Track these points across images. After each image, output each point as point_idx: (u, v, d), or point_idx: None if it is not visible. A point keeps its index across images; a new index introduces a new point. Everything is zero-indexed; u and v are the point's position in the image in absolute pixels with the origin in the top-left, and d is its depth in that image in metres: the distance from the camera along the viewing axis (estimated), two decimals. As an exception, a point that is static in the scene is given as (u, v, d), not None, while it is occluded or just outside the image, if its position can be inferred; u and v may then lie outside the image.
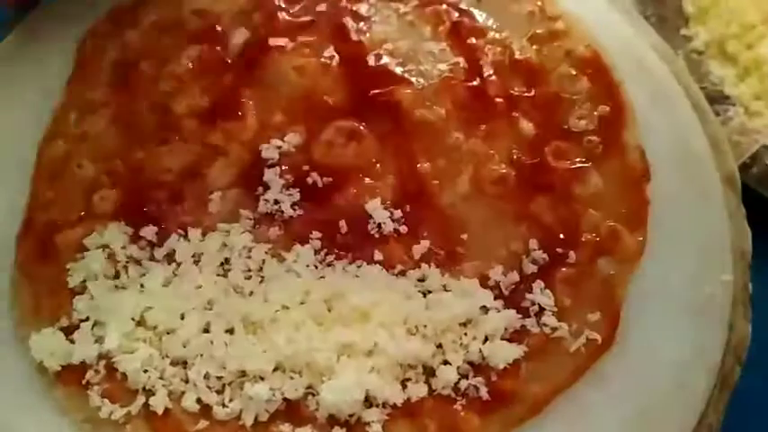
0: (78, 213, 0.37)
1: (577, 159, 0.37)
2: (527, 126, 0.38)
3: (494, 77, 0.39)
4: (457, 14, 0.41)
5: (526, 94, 0.39)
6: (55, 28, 0.41)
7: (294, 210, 0.37)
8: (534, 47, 0.39)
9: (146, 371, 0.33)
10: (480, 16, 0.41)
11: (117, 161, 0.38)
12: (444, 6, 0.41)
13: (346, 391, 0.32)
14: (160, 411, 0.32)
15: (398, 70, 0.40)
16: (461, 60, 0.40)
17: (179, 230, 0.36)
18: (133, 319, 0.34)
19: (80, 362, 0.33)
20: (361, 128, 0.39)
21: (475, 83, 0.39)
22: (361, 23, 0.41)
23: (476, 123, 0.38)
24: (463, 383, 0.33)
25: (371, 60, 0.40)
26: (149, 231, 0.36)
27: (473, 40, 0.40)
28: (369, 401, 0.33)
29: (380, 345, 0.33)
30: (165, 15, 0.41)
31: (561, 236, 0.36)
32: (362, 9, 0.42)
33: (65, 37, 0.41)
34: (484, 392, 0.33)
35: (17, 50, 0.41)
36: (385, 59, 0.40)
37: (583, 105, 0.38)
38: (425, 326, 0.34)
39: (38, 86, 0.40)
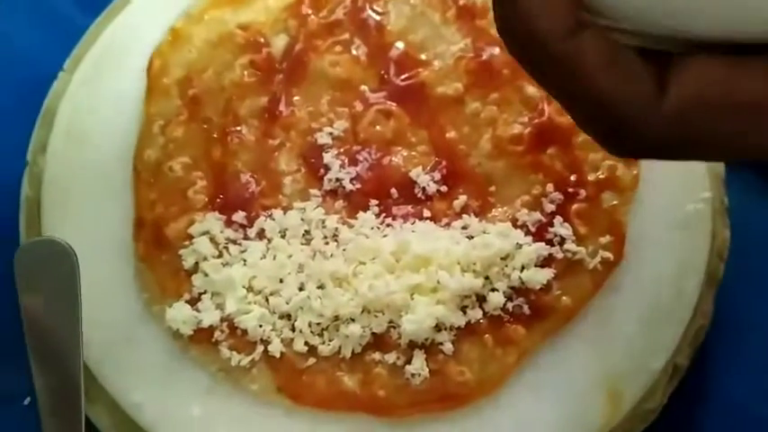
0: (178, 208, 0.43)
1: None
2: (532, 90, 0.45)
3: (498, 52, 0.46)
4: (462, 0, 0.48)
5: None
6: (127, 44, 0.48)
7: (353, 184, 0.44)
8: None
9: (261, 326, 0.40)
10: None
11: (200, 161, 0.45)
12: (448, -6, 0.48)
13: (420, 321, 0.40)
14: (278, 355, 0.40)
15: (418, 55, 0.47)
16: (469, 41, 0.47)
17: (263, 212, 0.43)
18: (244, 287, 0.41)
19: (208, 326, 0.41)
20: (395, 108, 0.46)
21: (483, 58, 0.46)
22: (380, 17, 0.49)
23: (488, 93, 0.45)
24: (509, 305, 0.41)
25: (394, 49, 0.48)
26: (239, 216, 0.43)
27: (478, 22, 0.48)
28: (438, 327, 0.40)
29: (442, 282, 0.40)
30: (215, 32, 0.48)
31: (572, 178, 0.43)
32: (379, 6, 0.49)
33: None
34: (526, 309, 0.41)
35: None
36: (406, 47, 0.48)
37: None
38: (474, 263, 0.41)
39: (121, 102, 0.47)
